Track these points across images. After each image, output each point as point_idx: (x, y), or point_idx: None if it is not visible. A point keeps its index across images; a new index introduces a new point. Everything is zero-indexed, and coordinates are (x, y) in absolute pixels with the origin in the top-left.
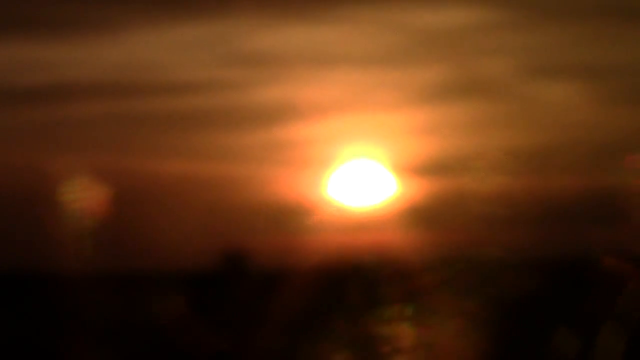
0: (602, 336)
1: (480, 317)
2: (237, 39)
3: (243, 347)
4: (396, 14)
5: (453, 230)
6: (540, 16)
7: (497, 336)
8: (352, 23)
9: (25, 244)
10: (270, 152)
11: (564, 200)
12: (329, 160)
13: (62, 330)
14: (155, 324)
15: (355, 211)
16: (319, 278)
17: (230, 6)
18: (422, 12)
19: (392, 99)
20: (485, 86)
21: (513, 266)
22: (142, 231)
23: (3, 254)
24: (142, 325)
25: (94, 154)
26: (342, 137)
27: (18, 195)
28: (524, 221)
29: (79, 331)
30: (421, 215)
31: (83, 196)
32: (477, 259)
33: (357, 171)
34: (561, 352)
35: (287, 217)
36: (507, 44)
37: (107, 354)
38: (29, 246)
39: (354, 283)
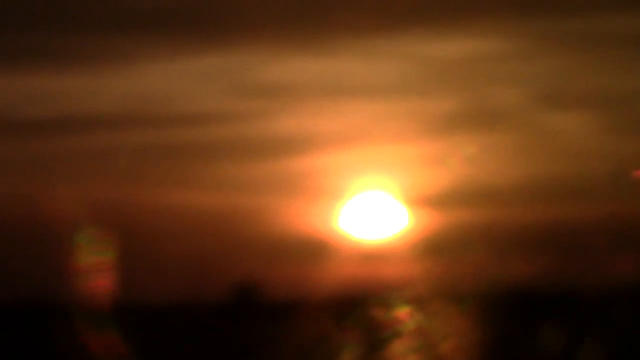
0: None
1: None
2: (250, 70)
3: None
4: (408, 45)
5: (466, 261)
6: (550, 46)
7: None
8: (364, 55)
9: (36, 277)
10: (283, 184)
11: (575, 230)
12: (341, 191)
13: None
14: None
15: (368, 243)
16: (331, 309)
17: (243, 38)
18: (434, 43)
19: (404, 130)
20: (496, 116)
21: (522, 296)
22: (152, 262)
23: (13, 286)
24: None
25: (105, 185)
26: (354, 169)
27: (28, 226)
28: (535, 251)
29: None
30: (434, 247)
31: (96, 231)
32: (488, 289)
33: (370, 203)
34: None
35: (300, 249)
36: (518, 74)
37: None
38: (39, 279)
39: (365, 313)
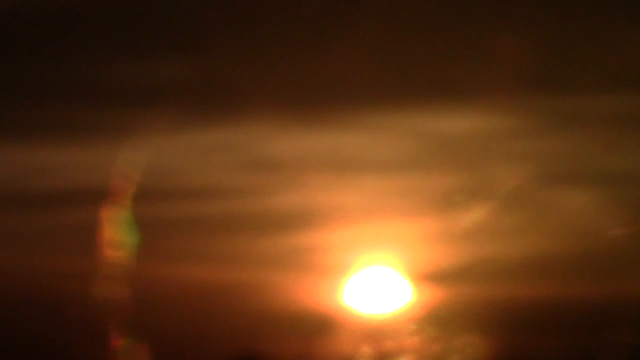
0: None
1: None
2: (254, 144)
3: None
4: (413, 121)
5: (468, 337)
6: (556, 123)
7: None
8: (370, 130)
9: (49, 347)
10: (287, 258)
11: (580, 308)
12: (345, 267)
13: None
14: None
15: (371, 318)
16: None
17: (249, 112)
18: (439, 119)
19: (409, 206)
20: (501, 193)
21: None
22: (158, 335)
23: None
24: None
25: (111, 258)
26: (358, 244)
27: (37, 299)
28: (539, 328)
29: None
30: (437, 322)
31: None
32: None
33: (374, 278)
34: None
35: (303, 323)
36: (524, 151)
37: None
38: (53, 349)
39: None
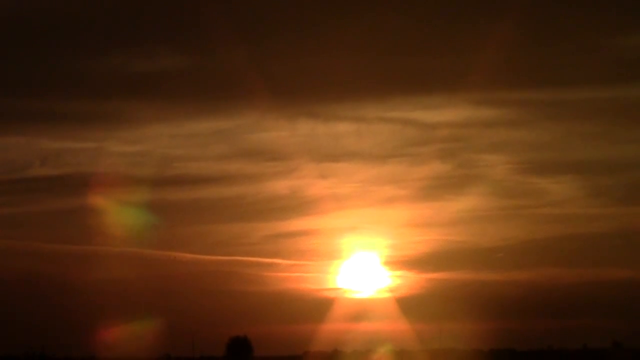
0: None
1: None
2: (247, 133)
3: None
4: (399, 112)
5: (449, 321)
6: (538, 115)
7: None
8: (357, 121)
9: (40, 327)
10: (278, 244)
11: (559, 293)
12: (333, 252)
13: None
14: None
15: (356, 300)
16: None
17: (242, 103)
18: (426, 111)
19: (395, 194)
20: (483, 181)
21: (505, 355)
22: (151, 318)
23: (21, 338)
24: None
25: (107, 242)
26: (346, 231)
27: (31, 280)
28: (518, 313)
29: None
30: (420, 307)
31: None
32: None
33: (359, 263)
34: None
35: (293, 306)
36: (506, 141)
37: None
38: (43, 330)
39: None
